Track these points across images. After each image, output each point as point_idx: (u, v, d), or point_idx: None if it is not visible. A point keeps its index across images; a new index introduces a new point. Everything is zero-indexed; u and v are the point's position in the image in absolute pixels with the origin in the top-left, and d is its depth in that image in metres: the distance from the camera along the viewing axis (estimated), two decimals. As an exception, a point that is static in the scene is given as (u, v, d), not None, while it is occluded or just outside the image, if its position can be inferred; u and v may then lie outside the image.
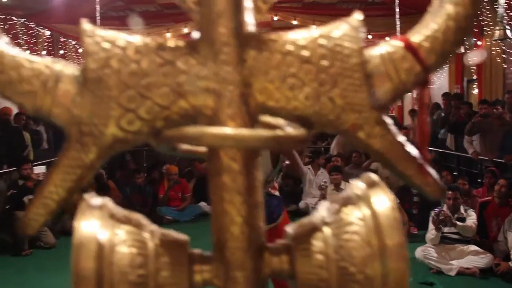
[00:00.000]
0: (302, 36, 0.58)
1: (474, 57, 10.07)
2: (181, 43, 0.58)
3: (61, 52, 12.17)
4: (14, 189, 6.91)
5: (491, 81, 9.98)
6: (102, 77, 0.55)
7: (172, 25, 11.04)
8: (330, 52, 0.57)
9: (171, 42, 0.58)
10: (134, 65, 0.55)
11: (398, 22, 8.12)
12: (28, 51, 9.03)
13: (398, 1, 8.08)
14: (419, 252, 5.51)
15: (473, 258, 5.42)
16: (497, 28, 6.10)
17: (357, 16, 0.59)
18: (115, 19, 10.99)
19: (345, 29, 0.58)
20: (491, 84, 9.98)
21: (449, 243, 5.60)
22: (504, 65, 9.47)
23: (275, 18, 10.65)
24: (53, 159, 9.10)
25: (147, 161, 10.96)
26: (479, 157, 7.78)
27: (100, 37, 0.57)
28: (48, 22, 10.40)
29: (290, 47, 0.57)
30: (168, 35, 10.71)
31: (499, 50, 9.44)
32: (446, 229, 5.57)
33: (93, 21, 6.99)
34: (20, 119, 8.54)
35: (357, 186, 0.60)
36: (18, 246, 6.58)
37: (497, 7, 9.10)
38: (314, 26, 0.61)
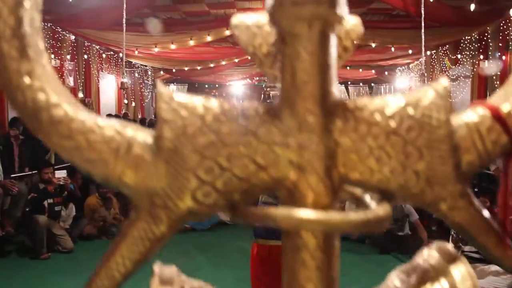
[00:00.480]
0: (388, 105, 0.55)
1: (489, 69, 9.96)
2: (261, 108, 0.55)
3: (85, 56, 12.32)
4: (35, 193, 6.97)
5: (515, 96, 9.81)
6: (179, 147, 0.52)
7: (195, 32, 11.11)
8: (418, 123, 0.54)
9: (252, 109, 0.55)
10: (213, 135, 0.52)
11: (423, 36, 8.04)
12: (53, 55, 9.17)
13: (423, 14, 8.00)
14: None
15: (494, 278, 5.29)
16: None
17: (444, 82, 0.56)
18: (139, 25, 11.10)
19: (432, 97, 0.55)
20: (515, 100, 9.81)
21: (470, 262, 5.45)
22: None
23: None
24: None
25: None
26: (501, 173, 7.65)
27: (177, 103, 0.54)
28: (74, 27, 10.53)
29: (377, 117, 0.54)
30: (191, 42, 10.79)
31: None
32: (466, 248, 5.46)
33: (119, 27, 7.06)
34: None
35: (431, 256, 0.58)
36: (36, 250, 6.63)
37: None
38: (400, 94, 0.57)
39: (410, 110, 0.54)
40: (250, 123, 0.53)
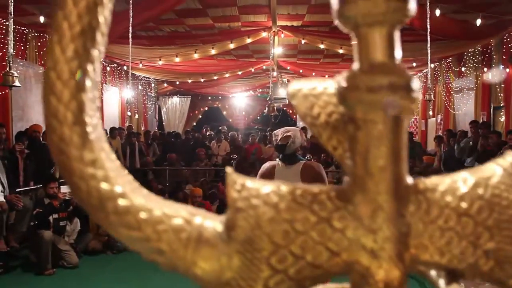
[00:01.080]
0: (459, 185, 0.54)
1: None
2: (333, 193, 0.54)
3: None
4: (40, 207, 6.94)
5: (519, 109, 9.83)
6: (252, 238, 0.52)
7: (200, 46, 11.16)
8: (488, 203, 0.53)
9: (324, 193, 0.54)
10: (286, 224, 0.52)
11: (429, 50, 8.04)
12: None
13: (429, 28, 8.01)
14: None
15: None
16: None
17: (510, 159, 0.56)
18: (144, 38, 11.14)
19: (501, 175, 0.55)
20: (519, 112, 9.83)
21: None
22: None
23: (303, 42, 10.69)
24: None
25: (169, 180, 10.99)
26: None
27: (249, 191, 0.54)
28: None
29: (448, 199, 0.54)
30: (196, 55, 10.82)
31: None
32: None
33: (124, 40, 7.06)
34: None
35: None
36: (41, 265, 6.60)
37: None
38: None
39: (480, 190, 0.54)
40: (323, 210, 0.53)
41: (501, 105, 10.55)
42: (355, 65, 0.53)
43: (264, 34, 10.61)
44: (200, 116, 20.91)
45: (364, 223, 0.52)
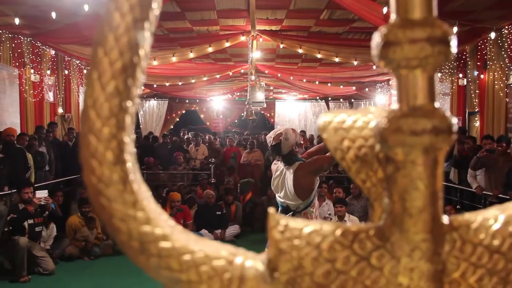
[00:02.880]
0: (491, 223, 0.56)
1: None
2: (372, 231, 0.55)
3: (66, 72, 12.18)
4: (15, 213, 6.79)
5: (493, 114, 10.02)
6: (296, 279, 0.52)
7: (178, 49, 11.09)
8: None
9: (363, 232, 0.55)
10: (329, 265, 0.53)
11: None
12: (32, 70, 9.02)
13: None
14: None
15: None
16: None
17: None
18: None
19: None
20: (493, 117, 10.02)
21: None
22: (507, 99, 9.53)
23: (281, 46, 10.72)
24: (53, 181, 8.96)
25: (148, 184, 10.85)
26: (483, 192, 7.78)
27: (291, 231, 0.54)
28: (54, 42, 10.41)
29: (481, 236, 0.55)
30: (174, 59, 10.75)
31: (502, 84, 9.53)
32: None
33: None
34: (24, 139, 8.47)
35: None
36: (16, 272, 6.46)
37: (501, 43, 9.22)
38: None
39: (511, 228, 0.55)
40: (363, 250, 0.54)
41: (476, 110, 10.76)
42: (396, 106, 0.54)
43: (242, 38, 10.60)
44: (178, 119, 20.77)
45: (402, 261, 0.53)
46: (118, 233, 0.52)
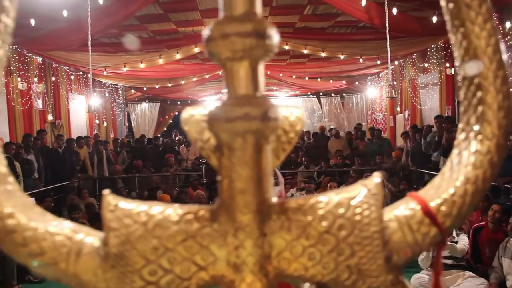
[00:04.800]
0: (321, 205, 0.59)
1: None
2: (202, 212, 0.59)
3: (53, 78, 12.17)
4: (5, 221, 6.77)
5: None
6: (124, 253, 0.57)
7: (164, 51, 11.09)
8: (349, 221, 0.58)
9: (192, 213, 0.59)
10: (155, 241, 0.57)
11: (388, 48, 8.18)
12: (19, 78, 9.00)
13: (388, 26, 8.14)
14: (414, 279, 5.49)
15: (469, 285, 5.36)
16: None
17: (376, 180, 0.60)
18: (108, 45, 11.02)
19: (364, 196, 0.59)
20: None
21: (444, 269, 5.56)
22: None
23: (267, 43, 10.71)
24: (43, 189, 8.96)
25: (140, 187, 10.89)
26: (472, 180, 7.79)
27: (121, 211, 0.59)
28: (41, 49, 10.41)
29: (309, 218, 0.58)
30: (161, 61, 10.76)
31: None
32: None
33: (86, 48, 6.96)
34: (10, 148, 8.47)
35: None
36: (6, 281, 6.45)
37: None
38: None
39: (341, 210, 0.58)
40: (190, 228, 0.58)
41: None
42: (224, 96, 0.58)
43: (228, 37, 10.60)
44: (171, 121, 20.78)
45: (227, 240, 0.57)
46: None
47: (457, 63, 0.64)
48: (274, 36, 0.57)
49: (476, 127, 0.62)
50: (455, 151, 0.64)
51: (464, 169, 0.62)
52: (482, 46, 0.61)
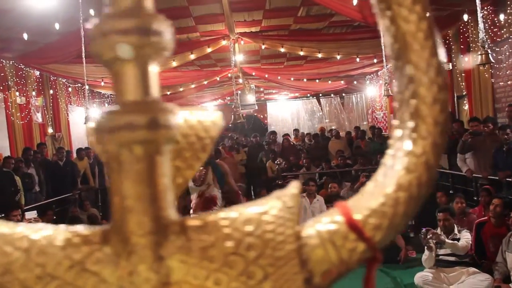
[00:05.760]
0: (226, 223, 0.52)
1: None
2: (91, 235, 0.53)
3: (52, 91, 12.18)
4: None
5: (480, 96, 9.99)
6: (5, 285, 0.51)
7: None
8: (260, 240, 0.51)
9: (79, 237, 0.53)
10: (39, 270, 0.51)
11: (383, 46, 8.12)
12: (18, 92, 9.02)
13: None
14: (417, 278, 5.44)
15: (473, 281, 5.31)
16: (479, 53, 6.06)
17: (293, 190, 0.54)
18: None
19: (278, 210, 0.52)
20: (481, 99, 9.98)
21: (447, 266, 5.52)
22: (492, 80, 9.49)
23: (263, 47, 10.71)
24: (44, 202, 8.97)
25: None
26: (473, 175, 7.72)
27: (1, 237, 0.53)
28: (37, 63, 10.42)
29: (213, 238, 0.51)
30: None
31: (486, 66, 9.49)
32: (441, 252, 5.51)
33: (81, 60, 6.95)
34: (10, 163, 8.46)
35: None
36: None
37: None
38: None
39: (249, 228, 0.51)
40: (78, 254, 0.52)
41: (464, 93, 10.71)
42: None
43: (224, 42, 10.59)
44: (172, 129, 20.76)
45: (120, 265, 0.51)
46: None
47: (387, 51, 0.57)
48: (165, 33, 0.51)
49: (411, 124, 0.54)
50: (389, 152, 0.56)
51: (396, 174, 0.53)
52: (412, 31, 0.54)
